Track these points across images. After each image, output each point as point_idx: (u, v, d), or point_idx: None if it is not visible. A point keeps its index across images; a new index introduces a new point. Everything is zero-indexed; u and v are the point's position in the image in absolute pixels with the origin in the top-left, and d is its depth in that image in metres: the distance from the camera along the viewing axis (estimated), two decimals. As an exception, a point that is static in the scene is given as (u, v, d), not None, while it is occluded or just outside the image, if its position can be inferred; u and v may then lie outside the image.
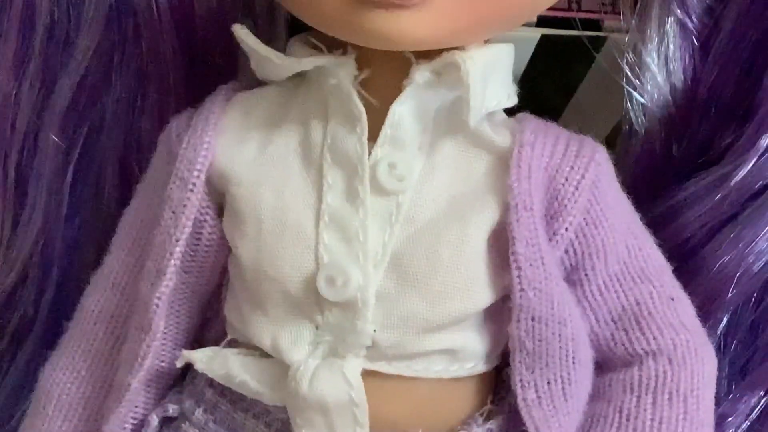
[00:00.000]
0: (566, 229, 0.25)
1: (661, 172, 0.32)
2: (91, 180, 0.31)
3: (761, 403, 0.32)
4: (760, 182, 0.29)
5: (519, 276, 0.24)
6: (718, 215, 0.30)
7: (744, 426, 0.32)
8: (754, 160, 0.29)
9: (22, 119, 0.30)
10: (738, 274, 0.30)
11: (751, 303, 0.31)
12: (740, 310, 0.31)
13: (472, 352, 0.26)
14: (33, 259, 0.32)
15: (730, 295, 0.30)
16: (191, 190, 0.26)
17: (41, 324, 0.33)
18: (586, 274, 0.26)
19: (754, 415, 0.32)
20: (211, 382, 0.27)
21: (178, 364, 0.27)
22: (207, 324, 0.29)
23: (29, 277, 0.32)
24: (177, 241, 0.25)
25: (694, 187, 0.30)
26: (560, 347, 0.25)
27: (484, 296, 0.25)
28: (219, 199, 0.26)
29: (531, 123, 0.26)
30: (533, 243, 0.24)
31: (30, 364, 0.31)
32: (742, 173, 0.29)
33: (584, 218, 0.26)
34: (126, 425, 0.27)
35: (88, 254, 0.30)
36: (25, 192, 0.31)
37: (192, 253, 0.27)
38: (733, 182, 0.29)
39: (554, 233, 0.25)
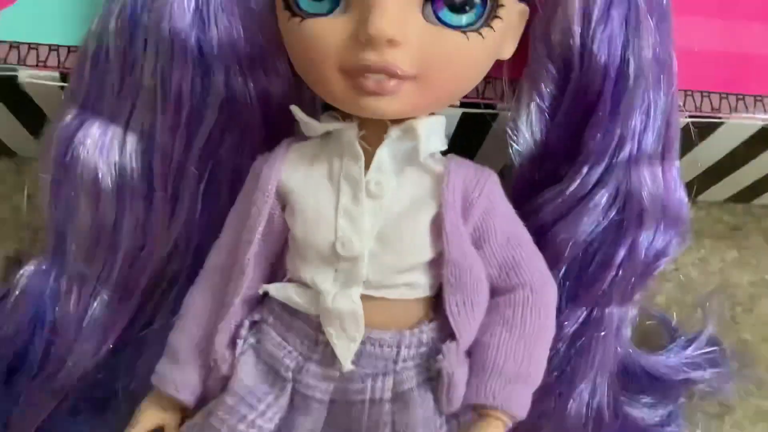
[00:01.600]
0: (473, 217, 0.35)
1: (528, 189, 0.42)
2: (213, 193, 0.41)
3: (583, 316, 0.42)
4: (582, 193, 0.40)
5: (447, 242, 0.35)
6: (559, 211, 0.41)
7: (573, 328, 0.42)
8: (579, 180, 0.40)
9: (176, 158, 0.39)
10: (570, 243, 0.40)
11: (579, 259, 0.41)
12: (572, 264, 0.41)
13: (422, 285, 0.36)
14: (180, 238, 0.41)
15: (566, 255, 0.41)
16: (267, 196, 0.36)
17: (184, 277, 0.42)
18: (484, 242, 0.36)
19: (579, 323, 0.42)
20: (278, 303, 0.37)
21: (260, 292, 0.37)
22: (276, 271, 0.38)
23: (178, 248, 0.42)
24: (259, 225, 0.36)
25: (548, 195, 0.41)
26: (470, 282, 0.35)
27: (427, 254, 0.35)
28: (283, 202, 0.36)
29: (455, 159, 0.37)
30: (455, 224, 0.35)
31: (177, 302, 0.39)
32: (572, 187, 0.40)
33: (483, 212, 0.36)
34: (230, 329, 0.36)
35: (211, 236, 0.39)
36: (176, 200, 0.40)
37: (267, 232, 0.36)
38: (567, 192, 0.40)
39: (466, 220, 0.35)
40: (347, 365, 0.34)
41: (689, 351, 0.50)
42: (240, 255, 0.36)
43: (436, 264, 0.35)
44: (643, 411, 0.49)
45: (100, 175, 0.39)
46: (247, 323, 0.37)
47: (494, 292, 0.37)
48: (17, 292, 0.42)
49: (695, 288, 0.55)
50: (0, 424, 0.43)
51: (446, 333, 0.36)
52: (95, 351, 0.42)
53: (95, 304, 0.41)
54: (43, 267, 0.42)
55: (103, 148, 0.39)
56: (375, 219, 0.35)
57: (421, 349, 0.35)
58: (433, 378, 0.35)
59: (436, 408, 0.35)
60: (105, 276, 0.42)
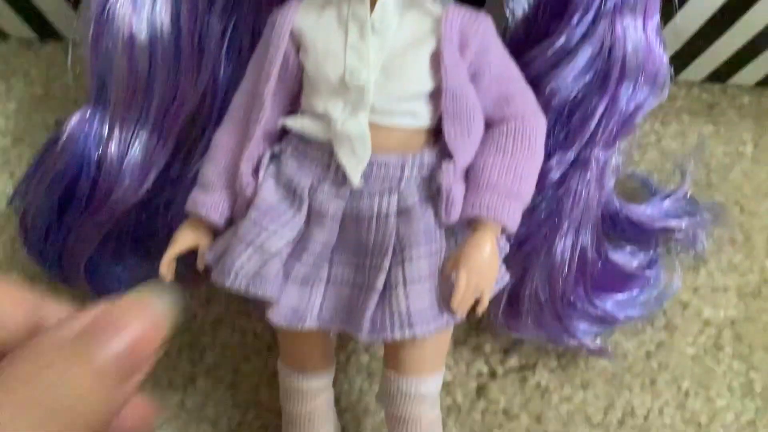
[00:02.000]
0: (470, 53, 0.38)
1: (522, 46, 0.45)
2: (235, 48, 0.46)
3: (570, 159, 0.46)
4: (569, 46, 0.43)
5: (446, 73, 0.37)
6: (549, 63, 0.44)
7: (561, 171, 0.46)
8: (566, 34, 0.43)
9: (201, 13, 0.44)
10: (558, 92, 0.44)
11: (566, 108, 0.45)
12: (559, 113, 0.44)
13: (423, 115, 0.39)
14: (207, 90, 0.46)
15: (554, 104, 0.44)
16: (282, 38, 0.39)
17: (212, 125, 0.46)
18: (480, 77, 0.39)
19: (566, 165, 0.46)
20: (295, 136, 0.40)
21: (278, 125, 0.40)
22: (292, 108, 0.41)
23: (206, 99, 0.47)
24: (276, 60, 0.39)
25: (538, 50, 0.44)
26: (466, 111, 0.38)
27: (427, 84, 0.38)
28: (297, 44, 0.39)
29: (453, 3, 0.39)
30: (453, 56, 0.37)
31: (207, 147, 0.43)
32: (560, 41, 0.43)
33: (479, 49, 0.38)
34: (253, 158, 0.40)
35: (234, 88, 0.43)
36: (202, 54, 0.45)
37: (283, 71, 0.39)
38: (556, 46, 0.43)
39: (463, 55, 0.38)
40: (357, 182, 0.39)
41: (667, 202, 0.55)
42: (260, 91, 0.40)
43: (436, 96, 0.39)
44: (625, 257, 0.54)
45: (133, 29, 0.44)
46: (268, 153, 0.41)
47: (489, 124, 0.40)
48: (65, 137, 0.47)
49: (674, 157, 0.60)
50: (55, 256, 0.49)
51: (445, 158, 0.40)
52: (136, 188, 0.47)
53: (135, 146, 0.47)
54: (87, 114, 0.47)
55: (136, 4, 0.44)
56: (379, 52, 0.38)
57: (422, 170, 0.39)
58: (433, 196, 0.39)
59: (436, 221, 0.39)
60: (142, 121, 0.47)
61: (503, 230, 0.39)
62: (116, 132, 0.47)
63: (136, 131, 0.47)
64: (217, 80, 0.46)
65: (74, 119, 0.47)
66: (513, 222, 0.39)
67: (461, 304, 0.38)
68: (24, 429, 0.21)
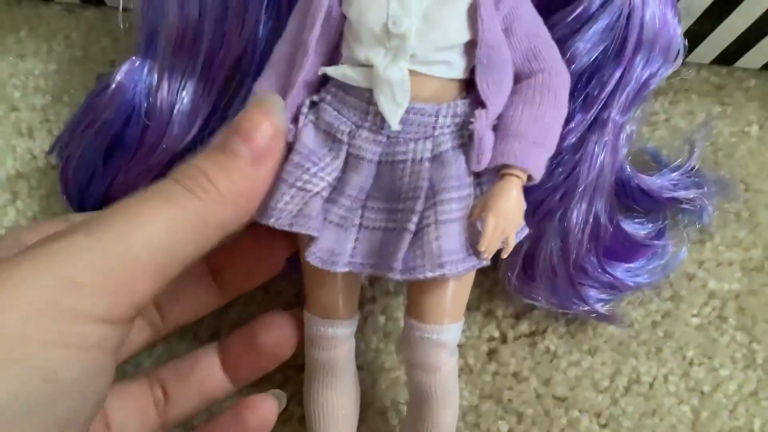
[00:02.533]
0: (504, 7, 0.40)
1: (545, 8, 0.45)
2: (275, 4, 0.47)
3: (588, 121, 0.47)
4: (589, 13, 0.44)
5: (482, 25, 0.39)
6: (570, 27, 0.45)
7: (579, 134, 0.47)
8: (586, 2, 0.44)
9: None
10: (577, 54, 0.45)
11: (585, 72, 0.46)
12: (579, 76, 0.46)
13: (458, 66, 0.40)
14: (249, 43, 0.47)
15: (575, 66, 0.45)
16: None
17: (253, 74, 0.47)
18: (512, 32, 0.40)
19: (585, 128, 0.47)
20: (334, 84, 0.41)
21: (319, 73, 0.41)
22: (332, 59, 0.41)
23: (247, 51, 0.47)
24: (322, 10, 0.39)
25: (560, 15, 0.45)
26: (498, 63, 0.39)
27: (465, 35, 0.39)
28: None
29: None
30: (489, 10, 0.39)
31: (248, 94, 0.44)
32: (581, 7, 0.44)
33: (513, 4, 0.40)
34: (294, 105, 0.41)
35: (273, 42, 0.44)
36: (246, 9, 0.46)
37: (326, 19, 0.40)
38: (577, 11, 0.44)
39: (498, 8, 0.39)
40: (395, 126, 0.40)
41: (676, 174, 0.56)
42: (304, 37, 0.41)
43: (470, 48, 0.40)
44: (634, 226, 0.56)
45: None
46: (308, 102, 0.41)
47: (517, 77, 0.41)
48: (114, 85, 0.49)
49: (683, 135, 0.62)
50: (96, 204, 0.51)
51: (478, 108, 0.41)
52: (183, 136, 0.48)
53: (183, 95, 0.48)
54: (137, 64, 0.49)
55: None
56: (421, 2, 0.39)
57: (455, 119, 0.41)
58: (465, 144, 0.41)
59: (467, 168, 0.41)
60: (190, 70, 0.48)
61: (530, 178, 0.41)
62: (165, 81, 0.48)
63: (184, 80, 0.48)
64: (257, 35, 0.47)
65: (123, 69, 0.49)
66: (539, 169, 0.40)
67: (489, 246, 0.39)
68: None
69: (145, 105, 0.48)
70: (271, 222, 0.40)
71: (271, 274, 0.46)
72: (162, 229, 0.30)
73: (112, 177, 0.51)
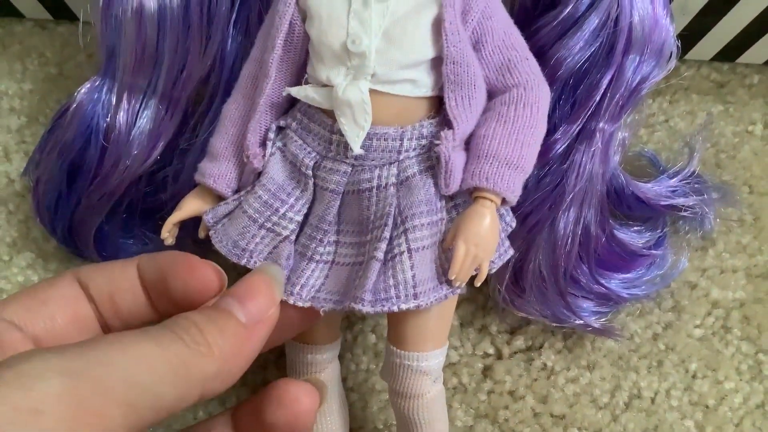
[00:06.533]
0: (472, 20, 0.38)
1: (531, 11, 0.45)
2: (243, 21, 0.46)
3: (575, 131, 0.45)
4: (576, 16, 0.43)
5: (447, 40, 0.37)
6: (555, 33, 0.44)
7: (566, 144, 0.46)
8: (572, 4, 0.43)
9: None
10: (564, 62, 0.44)
11: (572, 79, 0.44)
12: (565, 83, 0.45)
13: (424, 83, 0.38)
14: (215, 63, 0.47)
15: (560, 74, 0.44)
16: (288, 5, 0.39)
17: (220, 98, 0.47)
18: (482, 45, 0.39)
19: (571, 138, 0.46)
20: (299, 110, 0.40)
21: (284, 94, 0.40)
22: (299, 79, 0.41)
23: (214, 71, 0.47)
24: (282, 30, 0.39)
25: (545, 19, 0.44)
26: (468, 79, 0.38)
27: (429, 51, 0.38)
28: (303, 12, 0.39)
29: None
30: (454, 24, 0.37)
31: (215, 119, 0.45)
32: (567, 10, 0.43)
33: (481, 15, 0.38)
34: (260, 129, 0.40)
35: (242, 61, 0.43)
36: (210, 25, 0.45)
37: (289, 40, 0.39)
38: (563, 15, 0.43)
39: (465, 22, 0.38)
40: (357, 150, 0.38)
41: (675, 180, 0.54)
42: (265, 58, 0.40)
43: (437, 64, 0.38)
44: (631, 235, 0.53)
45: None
46: (274, 127, 0.41)
47: (491, 93, 0.40)
48: (74, 106, 0.48)
49: (683, 137, 0.59)
50: (65, 226, 0.50)
51: (445, 127, 0.39)
52: (145, 158, 0.48)
53: (144, 115, 0.47)
54: (96, 82, 0.48)
55: None
56: (382, 19, 0.37)
57: (421, 141, 0.39)
58: (433, 166, 0.39)
59: (437, 192, 0.39)
60: (151, 91, 0.47)
61: (504, 201, 0.38)
62: (124, 101, 0.47)
63: (144, 101, 0.47)
64: (224, 52, 0.46)
65: (83, 89, 0.48)
66: (513, 193, 0.38)
67: (459, 274, 0.37)
68: None
69: (104, 125, 0.47)
70: (243, 262, 0.40)
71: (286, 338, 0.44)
72: (142, 364, 0.28)
73: (76, 201, 0.50)
